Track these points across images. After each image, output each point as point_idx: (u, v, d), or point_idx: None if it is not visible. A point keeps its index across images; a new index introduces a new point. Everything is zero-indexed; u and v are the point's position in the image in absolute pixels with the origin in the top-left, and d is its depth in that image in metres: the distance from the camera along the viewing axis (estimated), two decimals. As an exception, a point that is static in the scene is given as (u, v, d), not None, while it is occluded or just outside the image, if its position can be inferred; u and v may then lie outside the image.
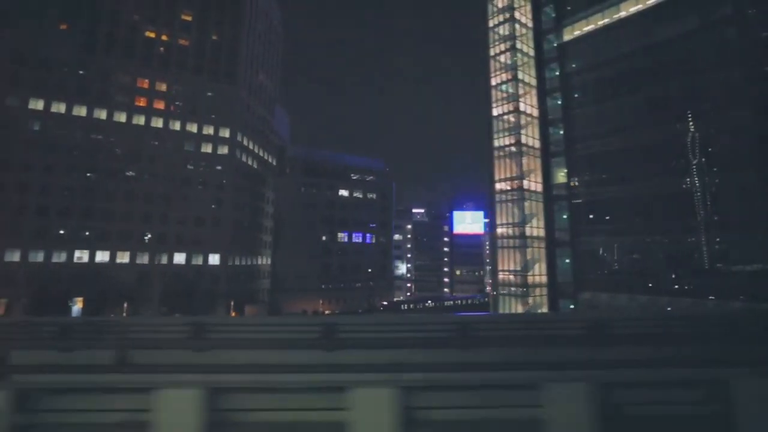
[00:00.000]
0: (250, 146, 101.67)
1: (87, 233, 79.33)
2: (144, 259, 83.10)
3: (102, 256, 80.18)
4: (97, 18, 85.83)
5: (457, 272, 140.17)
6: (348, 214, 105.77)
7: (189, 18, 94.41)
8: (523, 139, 52.16)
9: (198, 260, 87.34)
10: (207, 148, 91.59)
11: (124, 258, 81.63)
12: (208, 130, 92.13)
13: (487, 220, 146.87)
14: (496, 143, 53.92)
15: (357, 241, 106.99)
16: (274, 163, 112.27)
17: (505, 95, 54.89)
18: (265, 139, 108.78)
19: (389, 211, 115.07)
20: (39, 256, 76.06)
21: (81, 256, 78.87)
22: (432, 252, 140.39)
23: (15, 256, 74.62)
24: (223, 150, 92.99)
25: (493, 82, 55.70)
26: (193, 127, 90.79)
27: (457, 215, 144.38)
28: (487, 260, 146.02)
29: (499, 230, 52.51)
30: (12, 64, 77.95)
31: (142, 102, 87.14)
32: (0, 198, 74.62)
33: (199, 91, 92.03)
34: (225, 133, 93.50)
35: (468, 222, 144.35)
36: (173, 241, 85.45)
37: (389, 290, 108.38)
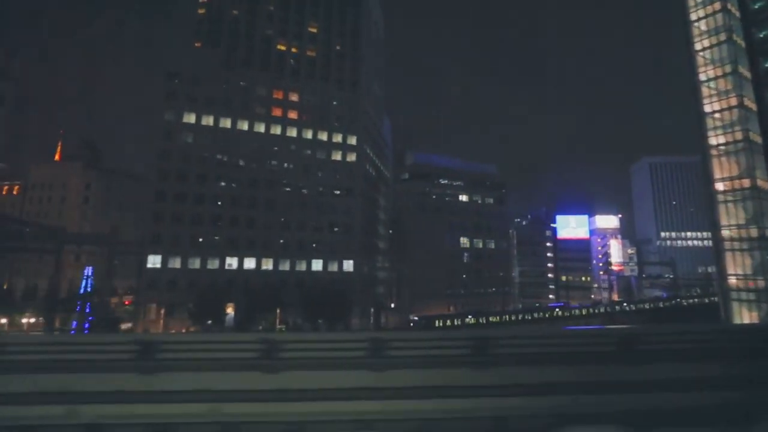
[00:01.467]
0: (369, 153, 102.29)
1: (236, 241, 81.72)
2: (285, 265, 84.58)
3: (249, 263, 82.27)
4: (236, 34, 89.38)
5: (563, 278, 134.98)
6: (468, 219, 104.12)
7: (315, 30, 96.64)
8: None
9: (333, 267, 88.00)
10: (337, 156, 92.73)
11: (268, 265, 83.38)
12: (337, 138, 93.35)
13: (615, 225, 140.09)
14: (713, 141, 50.30)
15: (478, 246, 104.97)
16: (384, 169, 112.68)
17: (714, 91, 51.35)
18: (378, 145, 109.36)
19: (506, 215, 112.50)
20: (196, 263, 78.98)
21: (231, 263, 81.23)
22: (534, 258, 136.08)
23: (176, 263, 77.83)
24: (351, 157, 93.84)
25: (702, 78, 52.31)
26: (323, 136, 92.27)
27: (561, 219, 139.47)
28: (597, 264, 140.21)
29: (725, 232, 48.57)
30: (168, 82, 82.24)
31: (277, 112, 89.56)
32: (161, 207, 78.40)
33: (327, 100, 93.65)
34: (352, 140, 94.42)
35: (572, 226, 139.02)
36: (310, 247, 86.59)
37: (512, 296, 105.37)
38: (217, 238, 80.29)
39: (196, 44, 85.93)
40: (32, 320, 70.93)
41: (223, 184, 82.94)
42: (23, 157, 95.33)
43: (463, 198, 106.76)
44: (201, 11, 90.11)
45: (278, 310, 77.30)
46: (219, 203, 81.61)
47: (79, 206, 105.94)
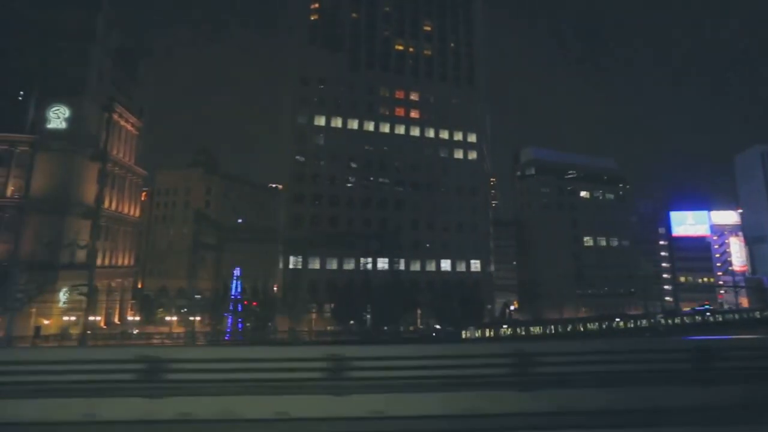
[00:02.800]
0: (484, 150, 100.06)
1: (367, 242, 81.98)
2: (416, 265, 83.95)
3: (382, 263, 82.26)
4: (357, 36, 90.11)
5: (681, 279, 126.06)
6: (591, 216, 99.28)
7: (429, 28, 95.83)
8: None
9: (461, 266, 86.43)
10: (458, 154, 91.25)
11: (400, 265, 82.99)
12: (458, 136, 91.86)
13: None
14: None
15: (602, 244, 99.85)
16: (487, 166, 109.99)
17: None
18: (487, 142, 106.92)
19: (629, 212, 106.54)
20: (333, 264, 80.00)
21: (366, 263, 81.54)
22: (645, 256, 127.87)
23: (315, 264, 79.17)
24: (472, 155, 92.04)
25: None
26: (444, 134, 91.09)
27: (676, 216, 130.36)
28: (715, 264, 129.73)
29: None
30: (301, 86, 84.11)
31: (400, 112, 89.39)
32: (298, 209, 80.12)
33: (445, 99, 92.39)
34: (472, 138, 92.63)
35: (689, 223, 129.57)
36: (439, 247, 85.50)
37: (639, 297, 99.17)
38: (351, 239, 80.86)
39: (316, 48, 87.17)
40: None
41: (353, 185, 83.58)
42: (150, 164, 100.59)
43: (584, 194, 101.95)
44: (314, 17, 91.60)
45: (418, 311, 76.66)
46: (351, 204, 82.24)
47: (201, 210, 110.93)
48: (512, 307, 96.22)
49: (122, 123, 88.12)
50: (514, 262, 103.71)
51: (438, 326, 76.49)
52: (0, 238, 68.63)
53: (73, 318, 73.02)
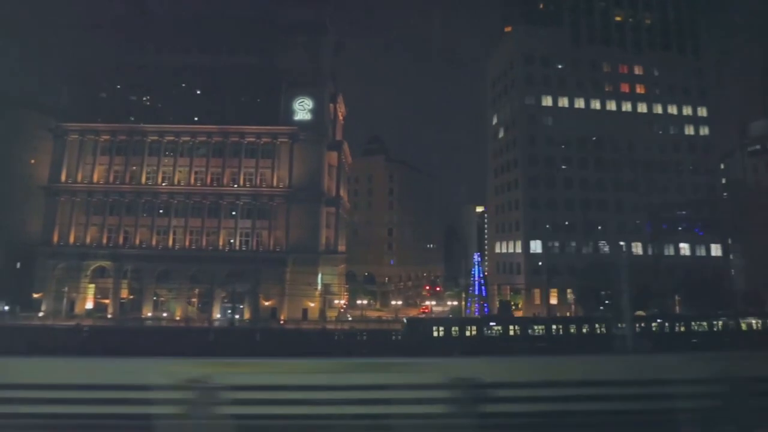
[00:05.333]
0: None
1: (605, 225, 78.30)
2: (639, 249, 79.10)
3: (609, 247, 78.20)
4: (575, 10, 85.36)
5: None
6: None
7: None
8: None
9: (701, 251, 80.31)
10: (689, 130, 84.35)
11: (637, 249, 78.63)
12: (687, 111, 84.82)
13: None
14: None
15: None
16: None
17: None
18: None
19: None
20: (571, 248, 77.26)
21: (604, 247, 78.03)
22: None
23: (554, 248, 76.92)
24: (704, 131, 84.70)
25: None
26: (672, 109, 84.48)
27: None
28: None
29: None
30: (525, 65, 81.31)
31: (625, 88, 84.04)
32: (534, 193, 77.97)
33: (670, 70, 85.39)
34: (703, 112, 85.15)
35: None
36: (676, 231, 79.85)
37: None
38: (590, 222, 77.62)
39: (536, 26, 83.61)
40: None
41: (585, 167, 79.88)
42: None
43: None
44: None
45: (677, 297, 72.10)
46: (586, 187, 78.73)
47: (385, 197, 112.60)
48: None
49: (338, 112, 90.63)
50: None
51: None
52: (271, 225, 72.75)
53: (337, 302, 76.81)
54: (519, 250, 78.91)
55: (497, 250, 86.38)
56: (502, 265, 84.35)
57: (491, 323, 58.74)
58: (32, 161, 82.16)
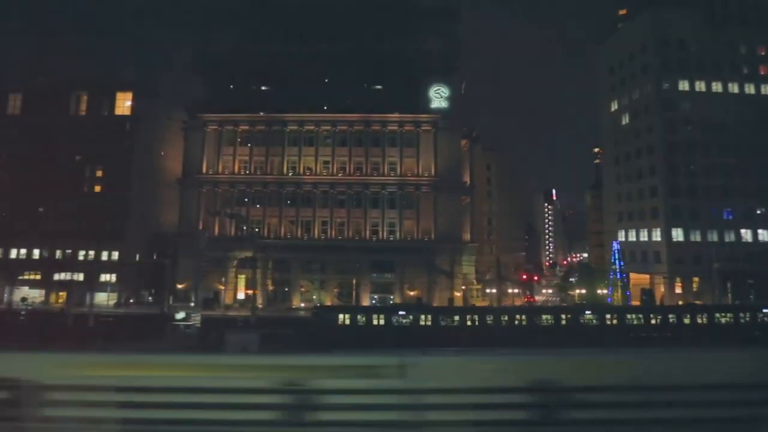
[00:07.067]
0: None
1: (750, 213, 76.45)
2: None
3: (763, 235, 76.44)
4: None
5: None
6: None
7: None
8: None
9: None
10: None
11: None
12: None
13: None
14: None
15: None
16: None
17: None
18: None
19: None
20: (713, 236, 75.65)
21: (745, 236, 76.28)
22: None
23: (696, 236, 75.44)
24: None
25: None
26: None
27: None
28: None
29: None
30: (660, 49, 78.97)
31: (765, 70, 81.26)
32: (674, 180, 76.26)
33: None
34: None
35: None
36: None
37: None
38: (732, 210, 75.83)
39: (672, 6, 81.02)
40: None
41: (724, 153, 77.69)
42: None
43: None
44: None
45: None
46: (726, 173, 76.65)
47: (484, 187, 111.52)
48: None
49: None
50: None
51: None
52: (418, 215, 72.35)
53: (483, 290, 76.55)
54: (656, 238, 77.52)
55: (620, 238, 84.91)
56: (629, 254, 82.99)
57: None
58: (162, 153, 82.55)
